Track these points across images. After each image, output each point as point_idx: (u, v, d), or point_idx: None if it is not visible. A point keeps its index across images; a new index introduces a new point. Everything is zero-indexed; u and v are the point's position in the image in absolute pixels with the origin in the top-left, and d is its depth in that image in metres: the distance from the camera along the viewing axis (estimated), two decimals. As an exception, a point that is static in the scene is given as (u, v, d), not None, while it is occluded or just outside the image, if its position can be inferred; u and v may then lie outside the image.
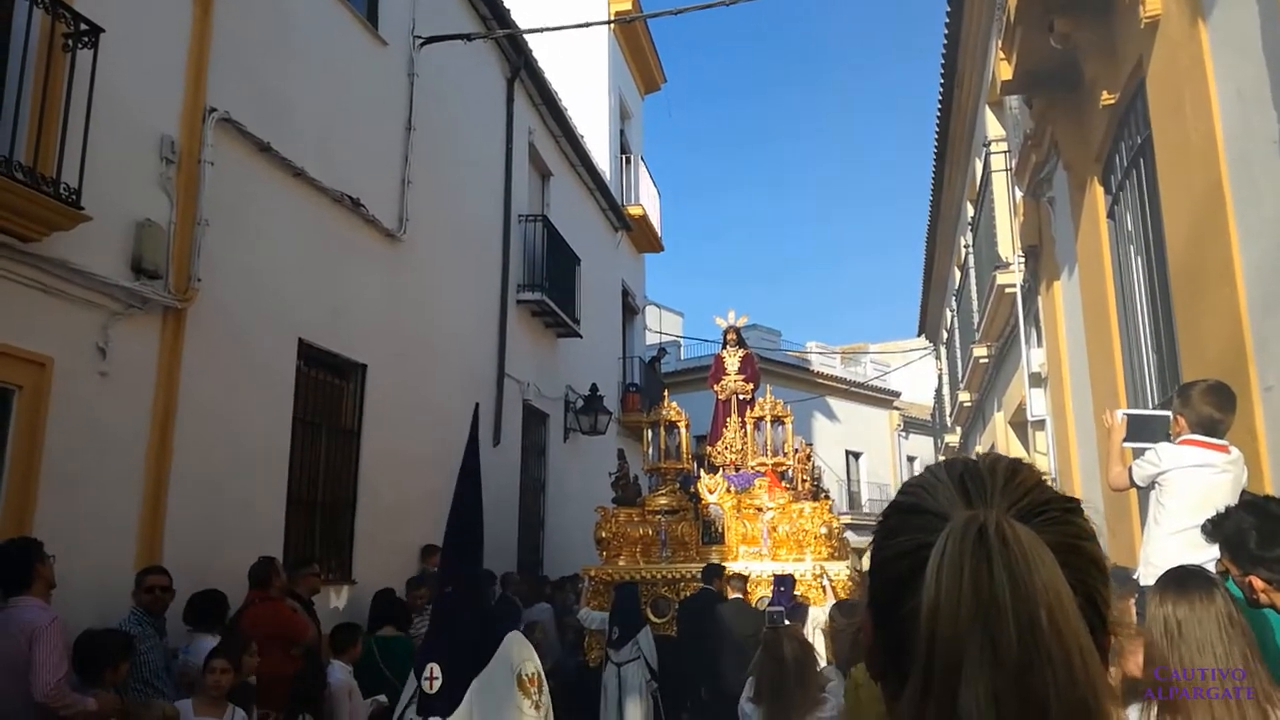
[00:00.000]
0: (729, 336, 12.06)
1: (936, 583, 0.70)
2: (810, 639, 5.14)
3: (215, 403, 6.81)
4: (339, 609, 8.04)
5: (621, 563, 10.20)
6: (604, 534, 10.51)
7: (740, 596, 8.69)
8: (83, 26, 5.43)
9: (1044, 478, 0.80)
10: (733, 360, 11.93)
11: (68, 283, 5.58)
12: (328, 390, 8.58)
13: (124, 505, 6.01)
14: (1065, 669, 0.67)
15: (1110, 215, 6.48)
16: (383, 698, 6.43)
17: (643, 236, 19.78)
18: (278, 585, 6.22)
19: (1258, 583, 2.47)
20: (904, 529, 0.79)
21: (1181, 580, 2.26)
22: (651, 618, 9.43)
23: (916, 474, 0.86)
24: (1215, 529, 2.65)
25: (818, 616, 8.48)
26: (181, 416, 6.44)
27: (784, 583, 9.13)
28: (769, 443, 10.86)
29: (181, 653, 5.71)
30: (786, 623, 7.23)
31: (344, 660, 6.22)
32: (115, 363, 5.93)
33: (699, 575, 9.29)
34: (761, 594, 9.30)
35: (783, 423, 11.01)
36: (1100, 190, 6.57)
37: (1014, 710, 0.66)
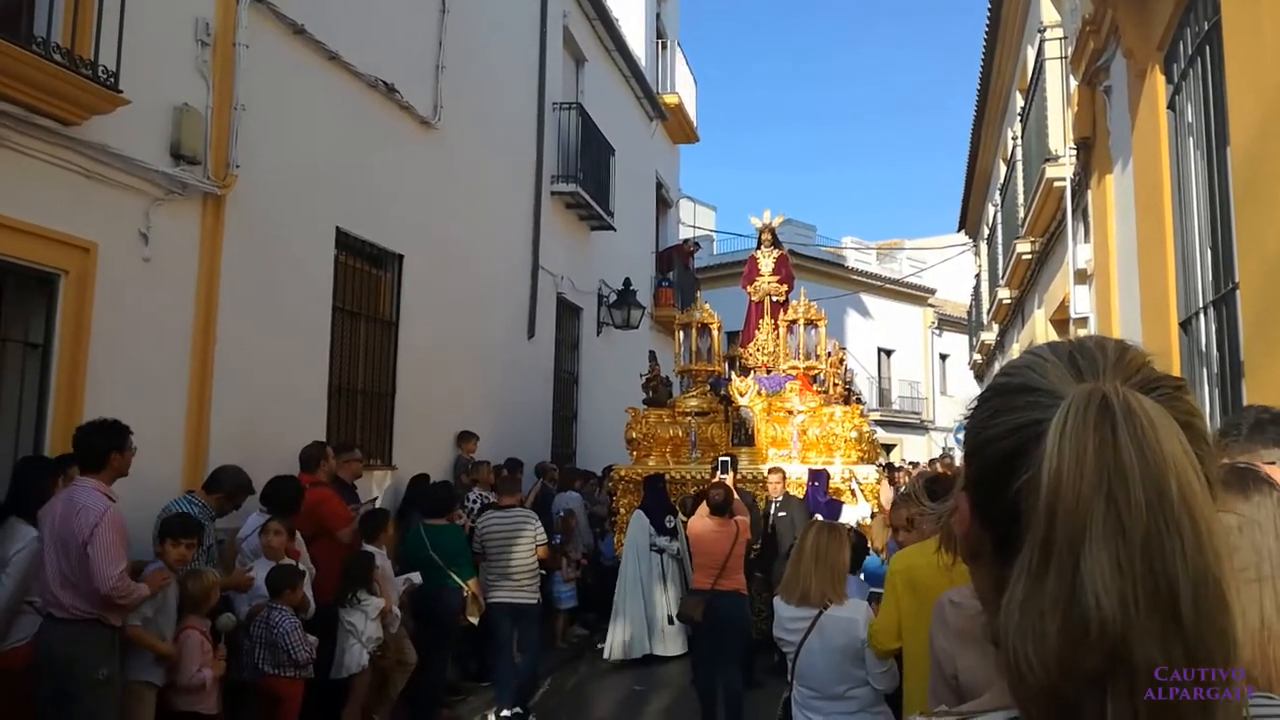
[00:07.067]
0: (763, 237, 11.89)
1: (1059, 453, 0.68)
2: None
3: (256, 290, 6.85)
4: (380, 493, 8.24)
5: (651, 463, 10.36)
6: (634, 434, 10.62)
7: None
8: (114, -98, 5.27)
9: (1149, 358, 0.78)
10: (767, 261, 11.80)
11: (109, 167, 5.57)
12: (366, 280, 8.61)
13: (170, 390, 6.13)
14: (1194, 541, 0.66)
15: (1170, 106, 6.22)
16: (415, 576, 6.64)
17: (678, 126, 19.36)
18: (325, 470, 6.35)
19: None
20: (1011, 408, 0.76)
21: (1240, 476, 2.14)
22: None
23: (1014, 359, 0.83)
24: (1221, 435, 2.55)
25: (847, 518, 8.58)
26: (223, 303, 6.50)
27: (818, 477, 9.22)
28: (801, 346, 10.83)
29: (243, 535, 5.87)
30: (819, 518, 7.32)
31: (375, 545, 6.40)
32: (158, 249, 5.96)
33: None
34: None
35: (816, 326, 10.95)
36: (1161, 79, 6.29)
37: (1139, 580, 0.65)
